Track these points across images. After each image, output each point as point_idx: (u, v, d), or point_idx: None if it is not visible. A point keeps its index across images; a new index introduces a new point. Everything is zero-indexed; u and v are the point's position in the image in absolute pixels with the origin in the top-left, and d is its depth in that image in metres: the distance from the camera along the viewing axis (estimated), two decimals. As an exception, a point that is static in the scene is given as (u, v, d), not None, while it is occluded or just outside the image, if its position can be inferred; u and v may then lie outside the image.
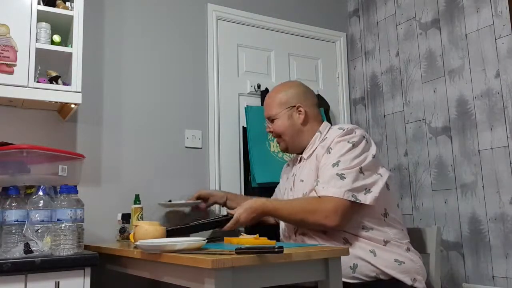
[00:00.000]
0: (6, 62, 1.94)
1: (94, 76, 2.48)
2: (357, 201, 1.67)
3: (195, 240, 1.45)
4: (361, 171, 1.70)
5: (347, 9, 3.54)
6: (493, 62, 2.48)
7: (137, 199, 2.28)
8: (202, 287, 1.24)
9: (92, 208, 2.09)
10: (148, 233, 1.58)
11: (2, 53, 1.93)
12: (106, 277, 2.20)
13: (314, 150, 1.89)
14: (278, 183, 2.31)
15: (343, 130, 1.79)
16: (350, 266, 1.68)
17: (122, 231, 2.21)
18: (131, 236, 1.75)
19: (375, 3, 3.30)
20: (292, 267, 1.34)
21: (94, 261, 1.64)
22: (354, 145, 1.74)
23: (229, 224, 1.74)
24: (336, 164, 1.71)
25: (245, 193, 2.75)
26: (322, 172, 1.74)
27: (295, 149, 1.99)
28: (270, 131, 2.02)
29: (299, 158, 2.01)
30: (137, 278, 1.90)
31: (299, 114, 1.95)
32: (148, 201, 2.38)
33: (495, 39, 2.48)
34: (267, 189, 2.46)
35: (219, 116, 2.84)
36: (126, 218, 2.25)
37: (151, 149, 2.59)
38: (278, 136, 1.99)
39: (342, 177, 1.67)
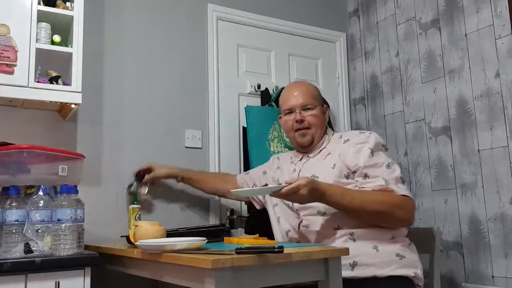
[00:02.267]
0: (6, 62, 1.94)
1: (94, 76, 2.48)
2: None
3: (195, 240, 1.45)
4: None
5: (347, 9, 3.54)
6: (493, 62, 2.48)
7: (135, 199, 2.28)
8: (202, 287, 1.24)
9: (92, 208, 2.09)
10: (148, 233, 1.59)
11: (2, 53, 1.93)
12: (106, 277, 2.20)
13: (322, 150, 1.97)
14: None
15: (370, 133, 1.92)
16: (350, 263, 1.68)
17: (130, 186, 2.37)
18: (131, 236, 1.75)
19: (375, 3, 3.30)
20: (292, 267, 1.34)
21: (94, 261, 1.64)
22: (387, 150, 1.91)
23: (283, 191, 1.58)
24: (388, 166, 1.80)
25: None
26: (379, 172, 1.78)
27: (314, 144, 1.99)
28: (301, 119, 1.95)
29: (300, 156, 2.04)
30: (137, 278, 1.90)
31: (325, 114, 2.05)
32: (147, 201, 2.39)
33: (495, 39, 2.48)
34: (267, 189, 2.46)
35: (219, 116, 2.84)
36: (139, 178, 2.40)
37: (151, 149, 2.59)
38: (307, 127, 1.96)
39: (403, 181, 1.80)
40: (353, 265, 1.68)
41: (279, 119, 2.09)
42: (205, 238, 1.47)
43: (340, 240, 1.75)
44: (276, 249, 1.22)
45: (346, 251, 1.43)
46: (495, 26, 2.49)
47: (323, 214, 1.80)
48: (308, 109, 1.96)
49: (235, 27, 3.02)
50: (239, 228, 2.59)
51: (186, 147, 2.70)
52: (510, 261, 2.33)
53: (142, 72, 2.65)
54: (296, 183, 1.57)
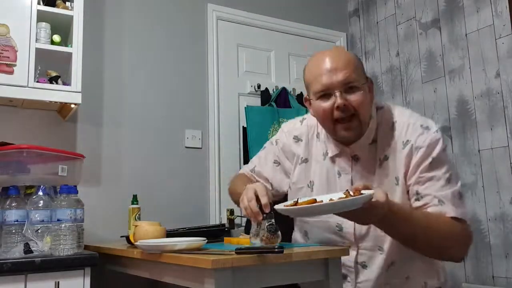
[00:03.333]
0: (6, 62, 1.94)
1: (94, 76, 2.48)
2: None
3: (195, 240, 1.45)
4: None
5: (347, 9, 3.54)
6: (493, 62, 2.48)
7: (134, 200, 2.28)
8: (202, 287, 1.23)
9: (92, 208, 2.09)
10: (148, 233, 1.58)
11: (2, 53, 1.93)
12: (106, 277, 2.20)
13: (373, 145, 1.38)
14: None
15: (437, 131, 1.36)
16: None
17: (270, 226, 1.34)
18: (131, 236, 1.75)
19: (375, 3, 3.30)
20: (292, 267, 1.34)
21: (94, 261, 1.64)
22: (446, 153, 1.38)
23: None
24: (449, 179, 1.31)
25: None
26: (434, 187, 1.29)
27: (360, 136, 1.37)
28: (344, 105, 1.29)
29: (340, 150, 1.41)
30: (137, 278, 1.90)
31: (372, 93, 1.38)
32: (148, 201, 2.38)
33: (495, 39, 2.48)
34: (267, 189, 2.46)
35: (219, 116, 2.84)
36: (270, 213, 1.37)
37: (151, 149, 2.59)
38: (351, 114, 1.31)
39: (460, 196, 1.31)
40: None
41: (305, 102, 1.43)
42: (205, 238, 1.47)
43: None
44: (276, 249, 1.22)
45: (346, 251, 1.42)
46: (496, 26, 2.49)
47: (381, 250, 1.37)
48: (353, 88, 1.30)
49: (235, 27, 3.02)
50: (239, 228, 2.59)
51: (186, 147, 2.70)
52: (510, 261, 2.32)
53: (142, 72, 2.65)
54: (375, 199, 1.08)
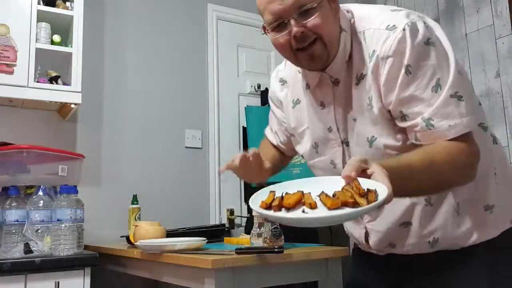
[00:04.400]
0: (6, 62, 1.94)
1: (94, 76, 2.48)
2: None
3: (195, 240, 1.45)
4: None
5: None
6: (493, 62, 2.48)
7: (134, 200, 2.28)
8: (202, 287, 1.24)
9: (92, 208, 2.09)
10: (148, 233, 1.58)
11: (2, 53, 1.93)
12: (106, 277, 2.20)
13: (349, 64, 1.12)
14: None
15: (404, 30, 1.01)
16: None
17: None
18: (131, 236, 1.75)
19: (375, 3, 3.30)
20: (292, 267, 1.34)
21: (94, 261, 1.64)
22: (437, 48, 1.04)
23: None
24: (437, 86, 0.99)
25: (245, 193, 2.75)
26: (419, 101, 1.00)
27: (329, 61, 1.12)
28: (301, 33, 1.05)
29: (319, 78, 1.17)
30: (137, 278, 1.90)
31: (332, 3, 1.10)
32: (148, 201, 2.38)
33: (495, 39, 2.48)
34: (267, 189, 2.46)
35: (219, 116, 2.84)
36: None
37: (151, 149, 2.59)
38: (313, 41, 1.07)
39: (459, 98, 0.99)
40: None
41: (263, 32, 1.18)
42: (205, 238, 1.47)
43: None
44: (276, 249, 1.22)
45: (346, 251, 1.42)
46: (496, 26, 2.49)
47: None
48: (309, 11, 1.05)
49: (235, 27, 3.02)
50: (239, 228, 2.59)
51: (186, 147, 2.70)
52: (510, 261, 2.32)
53: (142, 72, 2.65)
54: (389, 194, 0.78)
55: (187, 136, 2.71)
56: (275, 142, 1.41)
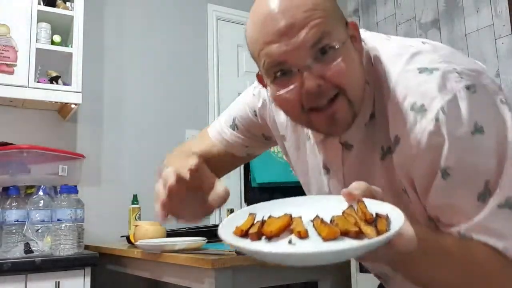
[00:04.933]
0: (6, 62, 1.94)
1: (94, 76, 2.48)
2: None
3: (195, 240, 1.45)
4: None
5: (347, 9, 3.54)
6: (493, 62, 2.48)
7: (135, 199, 2.28)
8: (202, 287, 1.24)
9: (92, 208, 2.09)
10: (148, 233, 1.59)
11: (3, 53, 1.93)
12: (106, 277, 2.20)
13: (371, 133, 0.80)
14: (279, 183, 2.29)
15: (437, 119, 0.68)
16: None
17: None
18: (131, 236, 1.75)
19: (375, 3, 3.30)
20: (292, 267, 1.34)
21: (94, 261, 1.65)
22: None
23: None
24: (485, 193, 0.68)
25: (245, 193, 2.75)
26: (458, 213, 0.70)
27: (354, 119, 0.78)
28: (317, 87, 0.70)
29: (323, 137, 0.85)
30: (137, 278, 1.90)
31: (355, 42, 0.77)
32: (148, 201, 2.38)
33: (495, 39, 2.48)
34: (267, 189, 2.46)
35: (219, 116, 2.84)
36: None
37: (151, 149, 2.59)
38: (334, 96, 0.73)
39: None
40: None
41: (258, 81, 0.85)
42: (205, 238, 1.47)
43: None
44: (276, 249, 1.22)
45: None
46: (495, 26, 2.49)
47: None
48: (329, 50, 0.72)
49: (235, 27, 3.02)
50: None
51: (186, 147, 2.70)
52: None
53: (142, 72, 2.65)
54: (405, 237, 0.55)
55: (187, 136, 2.71)
56: (227, 135, 1.04)
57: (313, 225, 0.58)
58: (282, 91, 0.73)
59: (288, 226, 0.58)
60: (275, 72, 0.73)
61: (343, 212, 0.59)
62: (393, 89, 0.74)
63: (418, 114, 0.69)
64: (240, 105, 1.07)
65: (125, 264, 1.79)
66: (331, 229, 0.55)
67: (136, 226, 1.66)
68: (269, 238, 0.57)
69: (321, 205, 0.63)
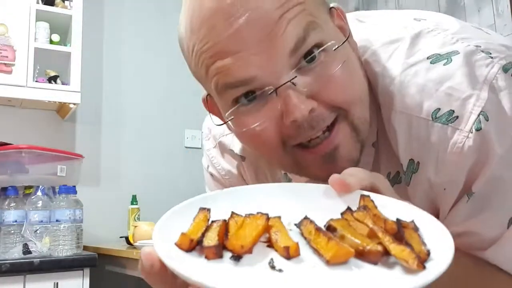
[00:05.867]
0: (5, 62, 1.93)
1: (93, 75, 2.47)
2: None
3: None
4: None
5: (347, 9, 3.53)
6: (494, 62, 2.47)
7: (134, 200, 2.28)
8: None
9: (91, 208, 2.08)
10: (148, 234, 1.58)
11: (1, 53, 1.92)
12: (105, 277, 2.19)
13: (380, 161, 0.59)
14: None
15: (473, 132, 0.48)
16: None
17: None
18: (130, 237, 1.74)
19: (376, 2, 3.29)
20: None
21: (93, 261, 1.64)
22: None
23: None
24: None
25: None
26: (481, 239, 0.52)
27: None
28: (306, 113, 0.46)
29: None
30: (137, 279, 1.89)
31: (350, 42, 0.54)
32: (147, 201, 2.37)
33: (496, 39, 2.48)
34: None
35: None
36: None
37: (151, 149, 2.58)
38: (332, 122, 0.49)
39: None
40: None
41: (205, 107, 0.61)
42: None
43: None
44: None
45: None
46: (497, 26, 2.48)
47: None
48: (315, 53, 0.47)
49: (235, 27, 3.01)
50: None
51: (186, 147, 2.69)
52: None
53: (141, 71, 2.64)
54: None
55: (186, 136, 2.70)
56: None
57: (301, 232, 0.37)
58: (251, 125, 0.48)
59: (263, 234, 0.36)
60: (237, 96, 0.48)
61: (343, 215, 0.37)
62: (398, 95, 0.51)
63: (446, 126, 0.48)
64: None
65: (124, 265, 1.78)
66: (340, 248, 0.32)
67: (135, 226, 1.65)
68: (237, 257, 0.34)
69: (301, 199, 0.41)
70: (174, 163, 2.62)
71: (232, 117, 0.50)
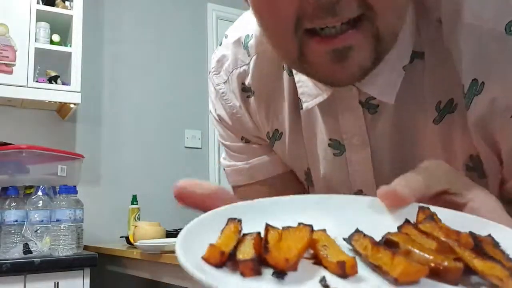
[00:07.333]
0: (5, 62, 1.93)
1: (93, 75, 2.47)
2: None
3: (195, 240, 1.44)
4: None
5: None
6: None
7: (134, 200, 2.27)
8: (202, 287, 1.23)
9: (92, 208, 2.09)
10: (148, 234, 1.58)
11: (1, 53, 1.93)
12: (105, 277, 2.19)
13: (414, 82, 0.49)
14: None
15: None
16: None
17: None
18: (131, 237, 1.75)
19: (375, 2, 3.29)
20: (293, 268, 1.34)
21: (94, 261, 1.64)
22: None
23: None
24: None
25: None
26: None
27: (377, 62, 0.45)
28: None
29: (339, 95, 0.52)
30: (137, 279, 1.89)
31: None
32: (148, 201, 2.38)
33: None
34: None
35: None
36: None
37: (151, 149, 2.58)
38: (355, 19, 0.41)
39: None
40: None
41: None
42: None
43: None
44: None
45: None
46: (496, 26, 2.49)
47: None
48: None
49: (235, 27, 3.02)
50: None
51: (186, 147, 2.69)
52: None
53: (141, 71, 2.64)
54: None
55: (187, 136, 2.70)
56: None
57: (353, 248, 0.31)
58: None
59: (307, 248, 0.30)
60: None
61: (401, 229, 0.32)
62: (457, 5, 0.44)
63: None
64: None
65: (124, 264, 1.78)
66: (409, 264, 0.26)
67: (136, 226, 1.66)
68: (281, 272, 0.27)
69: (342, 212, 0.35)
70: (174, 163, 2.63)
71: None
